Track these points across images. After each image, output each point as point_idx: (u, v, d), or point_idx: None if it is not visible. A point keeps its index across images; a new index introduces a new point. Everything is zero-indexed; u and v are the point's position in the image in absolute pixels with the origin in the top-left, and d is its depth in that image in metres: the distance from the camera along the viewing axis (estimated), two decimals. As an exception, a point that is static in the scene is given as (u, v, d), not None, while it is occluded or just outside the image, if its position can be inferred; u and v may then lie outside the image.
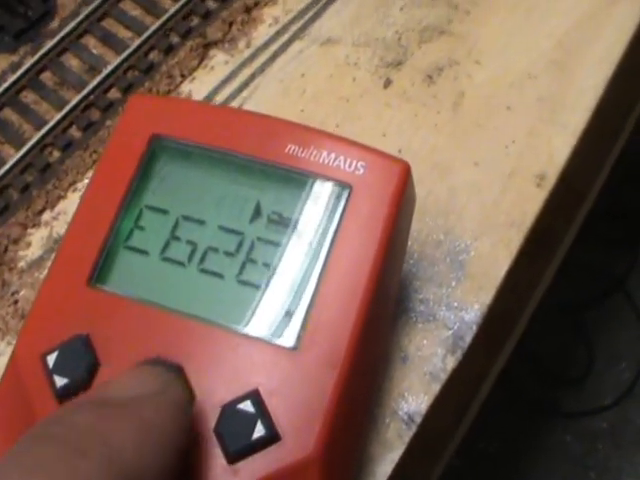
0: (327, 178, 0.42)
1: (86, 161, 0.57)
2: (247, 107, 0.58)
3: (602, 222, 1.38)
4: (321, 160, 0.42)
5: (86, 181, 0.56)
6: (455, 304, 0.50)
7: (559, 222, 0.61)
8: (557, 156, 0.54)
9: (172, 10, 0.61)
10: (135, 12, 0.62)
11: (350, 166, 0.42)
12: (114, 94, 0.59)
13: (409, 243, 0.49)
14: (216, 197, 0.43)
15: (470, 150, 0.55)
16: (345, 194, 0.41)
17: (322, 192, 0.42)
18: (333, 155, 0.42)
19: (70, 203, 0.56)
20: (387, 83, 0.58)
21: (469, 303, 0.50)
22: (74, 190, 0.56)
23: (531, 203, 0.53)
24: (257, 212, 0.42)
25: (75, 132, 0.58)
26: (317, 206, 0.41)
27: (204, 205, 0.43)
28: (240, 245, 0.42)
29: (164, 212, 0.43)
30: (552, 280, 0.63)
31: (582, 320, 1.42)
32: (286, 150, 0.42)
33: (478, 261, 0.51)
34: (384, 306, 0.44)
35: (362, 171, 0.41)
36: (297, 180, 0.42)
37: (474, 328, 0.49)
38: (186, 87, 0.59)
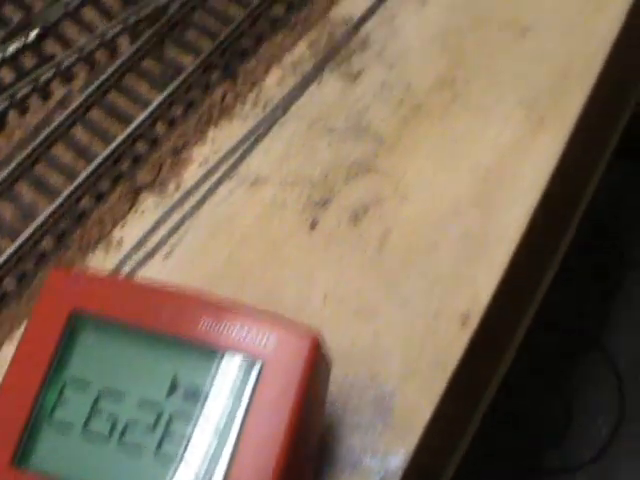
0: (239, 352, 0.43)
1: (21, 312, 0.58)
2: (177, 253, 0.59)
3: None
4: (234, 335, 0.43)
5: (21, 331, 0.56)
6: (381, 450, 0.51)
7: (486, 358, 0.61)
8: (482, 294, 0.55)
9: (103, 155, 0.62)
10: (67, 157, 0.63)
11: (261, 341, 0.43)
12: (47, 243, 0.60)
13: (334, 391, 0.50)
14: (135, 371, 0.44)
15: (395, 291, 0.56)
16: (257, 367, 0.43)
17: (234, 366, 0.43)
18: (245, 329, 0.43)
19: (6, 354, 0.56)
20: (314, 224, 0.59)
21: (395, 448, 0.51)
22: (10, 341, 0.57)
23: (456, 343, 0.54)
24: (173, 386, 0.43)
25: (9, 284, 0.59)
26: (230, 380, 0.43)
27: (124, 379, 0.44)
28: (158, 418, 0.43)
29: (86, 386, 0.44)
30: (480, 422, 0.64)
31: (558, 376, 1.43)
32: (200, 325, 0.44)
33: (403, 404, 0.52)
34: (301, 470, 0.45)
35: (273, 345, 0.43)
36: (211, 355, 0.43)
37: (400, 474, 0.50)
38: (117, 234, 0.60)
